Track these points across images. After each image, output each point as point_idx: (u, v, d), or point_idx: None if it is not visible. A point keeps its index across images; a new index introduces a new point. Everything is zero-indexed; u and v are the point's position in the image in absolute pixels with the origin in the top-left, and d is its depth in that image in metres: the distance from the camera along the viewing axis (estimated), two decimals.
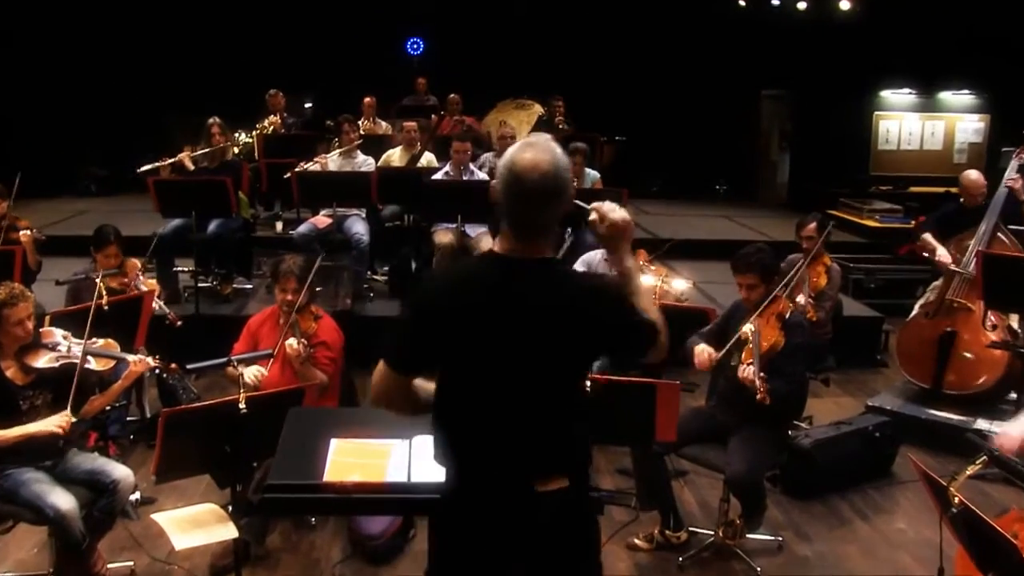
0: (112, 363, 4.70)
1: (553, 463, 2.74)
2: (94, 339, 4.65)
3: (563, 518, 2.75)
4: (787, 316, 4.92)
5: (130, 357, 4.72)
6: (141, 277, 6.17)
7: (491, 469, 2.74)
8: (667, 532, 5.08)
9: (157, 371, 5.48)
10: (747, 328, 4.84)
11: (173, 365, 4.90)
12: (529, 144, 2.66)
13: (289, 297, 5.04)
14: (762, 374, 4.59)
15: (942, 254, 7.03)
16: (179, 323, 6.07)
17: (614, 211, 2.84)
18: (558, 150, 2.66)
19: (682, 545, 5.06)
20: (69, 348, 4.53)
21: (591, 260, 6.57)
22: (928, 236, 7.22)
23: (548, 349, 2.66)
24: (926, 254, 7.25)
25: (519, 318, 2.63)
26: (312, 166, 8.55)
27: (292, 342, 4.88)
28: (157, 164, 8.12)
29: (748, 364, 4.69)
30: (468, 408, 2.75)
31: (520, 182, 2.60)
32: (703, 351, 4.93)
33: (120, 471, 4.50)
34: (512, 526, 2.75)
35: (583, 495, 2.83)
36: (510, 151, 2.67)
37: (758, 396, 4.52)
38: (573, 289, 2.73)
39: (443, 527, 2.87)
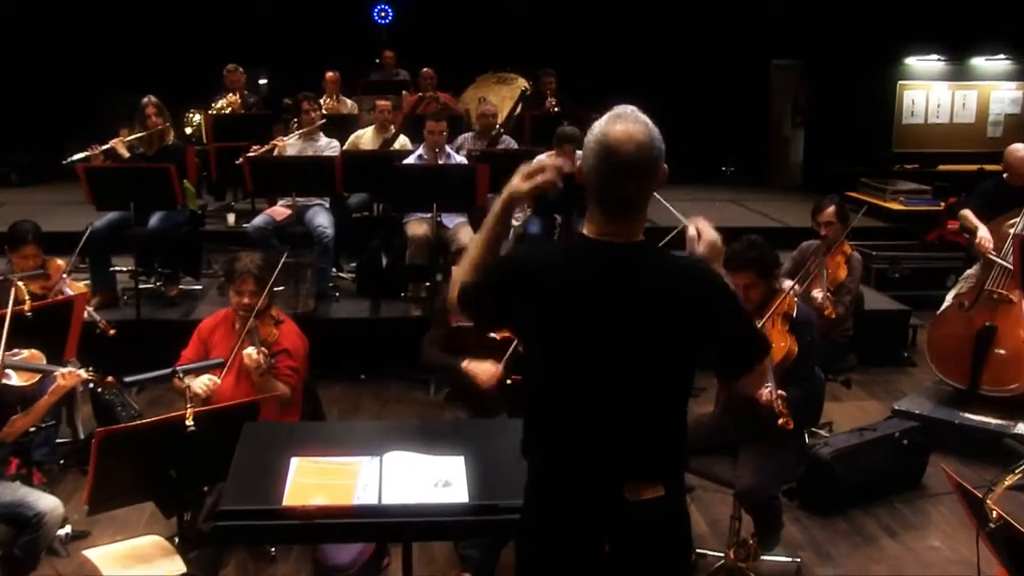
0: (36, 377, 4.65)
1: (646, 467, 2.77)
2: (15, 350, 4.60)
3: (655, 530, 2.78)
4: (794, 315, 4.89)
5: (58, 370, 4.64)
6: (67, 279, 6.10)
7: (577, 468, 2.76)
8: None
9: (91, 385, 5.41)
10: None
11: (110, 378, 4.82)
12: (618, 116, 2.70)
13: (246, 300, 4.97)
14: (781, 392, 4.54)
15: (984, 235, 6.94)
16: (112, 332, 5.95)
17: (711, 229, 2.88)
18: (648, 120, 2.72)
19: None
20: None
21: None
22: (968, 213, 7.19)
23: (654, 341, 2.70)
24: (966, 235, 7.21)
25: (623, 306, 2.68)
26: (268, 150, 8.51)
27: (251, 351, 4.80)
28: (88, 152, 7.96)
29: None
30: (560, 399, 2.79)
31: (614, 156, 2.64)
32: None
33: (46, 502, 4.43)
34: (598, 535, 2.76)
35: (678, 507, 2.86)
36: (599, 124, 2.71)
37: (780, 421, 4.47)
38: (684, 276, 2.76)
39: (524, 531, 2.90)
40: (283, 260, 5.35)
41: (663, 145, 2.70)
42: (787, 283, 6.40)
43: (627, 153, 2.64)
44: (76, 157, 7.92)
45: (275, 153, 8.50)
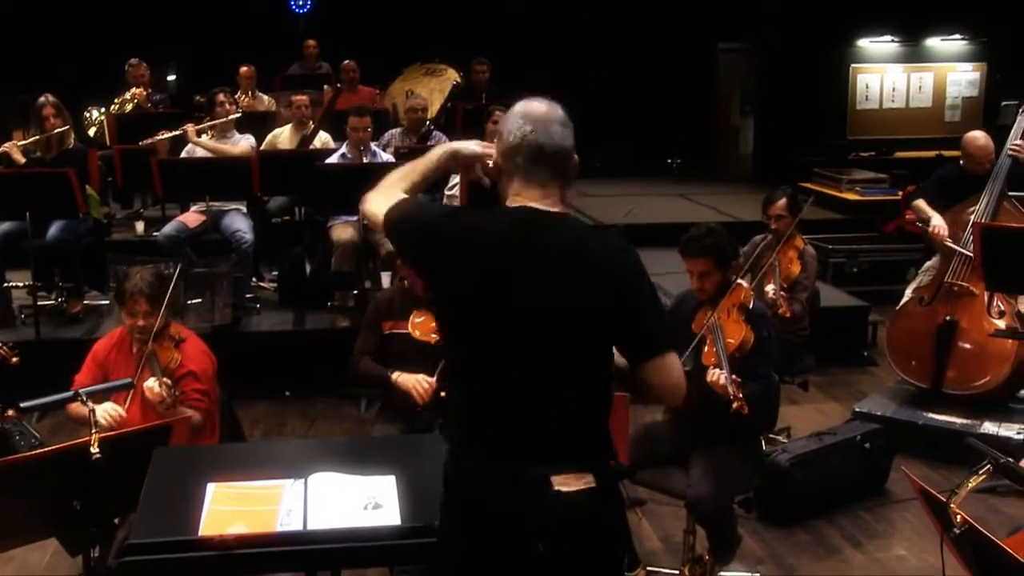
0: None
1: (571, 453, 2.82)
2: None
3: (591, 527, 2.83)
4: (750, 306, 4.94)
5: None
6: None
7: (493, 450, 2.83)
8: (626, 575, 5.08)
9: None
10: (709, 323, 4.85)
11: (10, 412, 4.70)
12: (533, 100, 2.94)
13: (140, 322, 4.82)
14: (734, 377, 4.59)
15: (938, 224, 7.03)
16: (15, 359, 5.80)
17: None
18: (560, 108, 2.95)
19: None
20: None
21: None
22: (921, 203, 7.30)
23: (561, 308, 2.80)
24: (920, 224, 7.31)
25: (528, 267, 2.81)
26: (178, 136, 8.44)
27: (151, 384, 4.64)
28: None
29: (714, 367, 4.70)
30: (471, 372, 2.91)
31: (535, 131, 2.87)
32: None
33: None
34: (530, 535, 2.80)
35: (611, 500, 2.91)
36: (519, 106, 2.94)
37: (734, 405, 4.51)
38: (598, 247, 2.89)
39: (444, 519, 2.96)
40: (176, 274, 5.21)
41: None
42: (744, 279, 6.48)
43: (549, 128, 2.89)
44: None
45: (192, 140, 8.42)
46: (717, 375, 4.63)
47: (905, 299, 7.40)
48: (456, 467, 2.90)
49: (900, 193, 11.05)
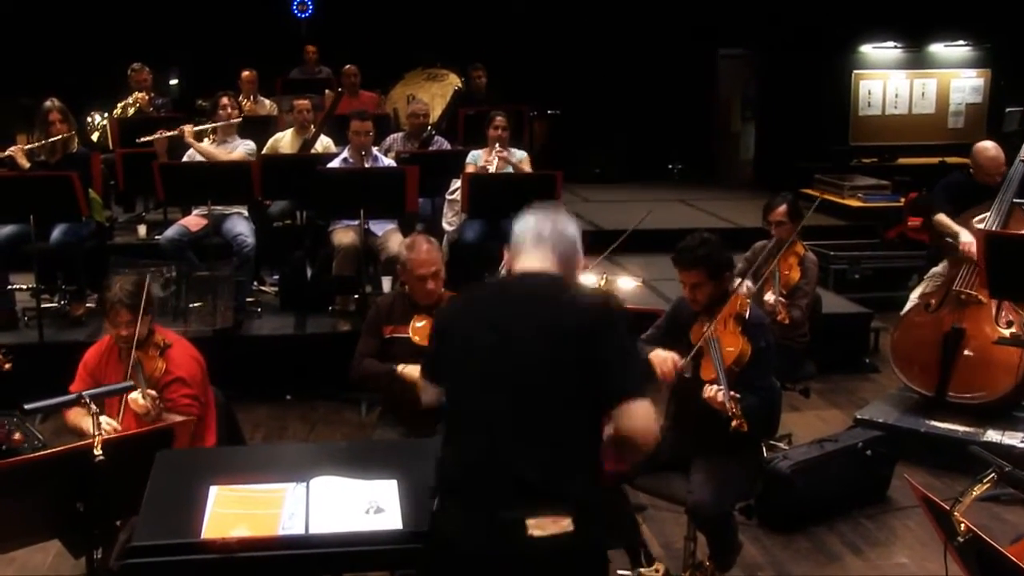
0: None
1: (547, 496, 2.88)
2: None
3: (562, 571, 2.90)
4: (747, 316, 4.88)
5: None
6: None
7: (470, 497, 2.96)
8: (642, 571, 5.08)
9: None
10: (706, 336, 4.81)
11: (16, 436, 4.70)
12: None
13: (123, 332, 4.83)
14: (733, 393, 4.58)
15: (968, 240, 6.87)
16: (8, 365, 5.79)
17: None
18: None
19: None
20: None
21: None
22: (943, 218, 7.16)
23: (533, 361, 3.02)
24: (949, 239, 7.13)
25: (503, 325, 3.10)
26: (176, 135, 8.48)
27: (136, 396, 4.65)
28: None
29: (712, 382, 4.66)
30: (454, 423, 3.18)
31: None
32: (665, 359, 4.84)
33: None
34: (497, 574, 2.90)
35: (590, 545, 2.99)
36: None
37: (733, 423, 4.49)
38: (568, 301, 3.14)
39: (422, 563, 3.12)
40: (148, 281, 5.10)
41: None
42: (746, 285, 6.48)
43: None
44: None
45: (187, 141, 8.44)
46: (714, 392, 4.58)
47: (910, 305, 7.35)
48: (438, 513, 3.04)
49: (902, 200, 11.06)
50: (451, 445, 3.11)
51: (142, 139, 8.42)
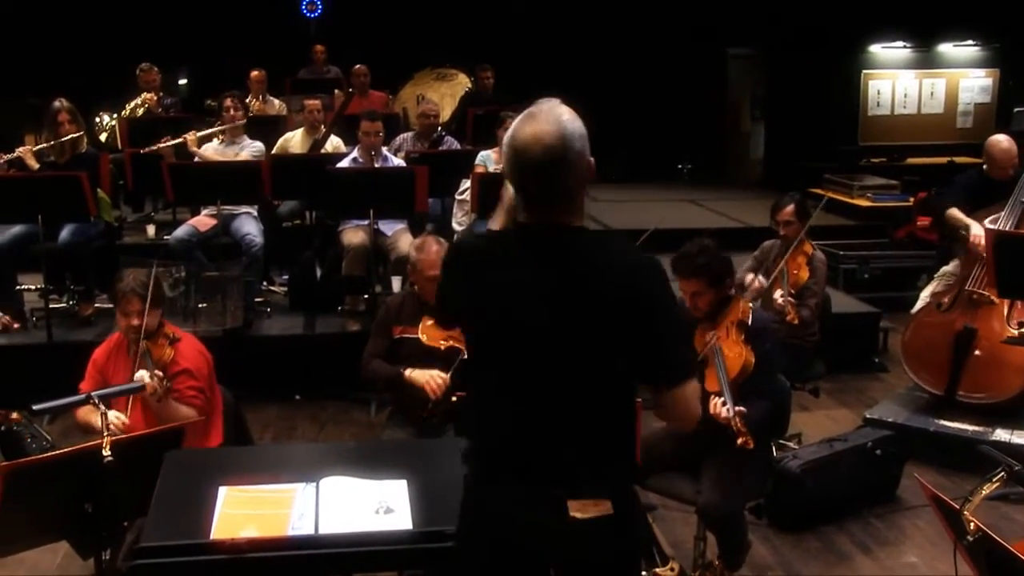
0: None
1: (589, 479, 2.78)
2: None
3: (605, 555, 2.80)
4: (749, 322, 4.84)
5: None
6: None
7: (513, 478, 2.80)
8: (658, 571, 5.08)
9: None
10: (709, 346, 4.79)
11: (14, 415, 4.72)
12: (531, 115, 2.80)
13: (135, 322, 4.88)
14: (740, 409, 4.55)
15: (978, 233, 6.80)
16: (16, 325, 5.66)
17: None
18: (565, 115, 2.82)
19: None
20: None
21: None
22: (955, 212, 7.12)
23: (580, 331, 2.75)
24: (962, 231, 7.07)
25: (546, 291, 2.75)
26: (181, 143, 8.48)
27: (143, 375, 4.67)
28: None
29: (716, 396, 4.62)
30: (490, 397, 2.88)
31: (522, 158, 2.77)
32: None
33: None
34: (542, 560, 2.80)
35: (630, 528, 2.88)
36: (513, 126, 2.83)
37: (739, 440, 4.47)
38: (618, 265, 2.80)
39: (458, 555, 2.95)
40: (154, 272, 5.12)
41: (582, 141, 2.82)
42: (758, 280, 6.46)
43: (533, 156, 2.74)
44: None
45: (191, 150, 8.44)
46: (719, 408, 4.57)
47: (919, 305, 7.33)
48: (474, 487, 2.89)
49: (912, 199, 11.05)
50: (485, 414, 2.88)
51: (146, 150, 8.41)
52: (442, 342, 5.08)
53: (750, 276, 6.59)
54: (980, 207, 7.03)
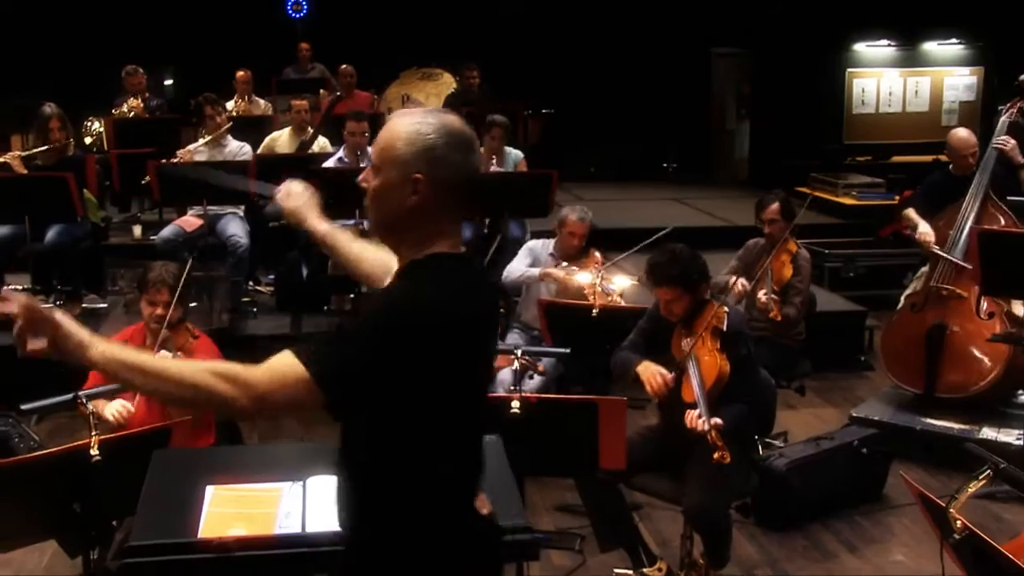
0: None
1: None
2: None
3: None
4: (724, 328, 4.81)
5: None
6: None
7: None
8: (645, 571, 5.08)
9: None
10: (685, 353, 4.77)
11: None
12: (438, 113, 2.82)
13: (160, 311, 4.97)
14: (716, 421, 4.54)
15: (924, 231, 6.97)
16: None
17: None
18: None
19: None
20: None
21: (537, 249, 6.72)
22: (910, 211, 7.27)
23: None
24: (908, 231, 7.28)
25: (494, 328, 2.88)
26: (176, 161, 8.44)
27: (166, 355, 4.70)
28: None
29: (692, 409, 4.64)
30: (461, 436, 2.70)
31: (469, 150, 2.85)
32: (655, 375, 4.82)
33: None
34: None
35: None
36: (429, 118, 2.76)
37: (715, 456, 4.47)
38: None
39: None
40: (188, 268, 5.26)
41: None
42: (740, 283, 6.47)
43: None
44: None
45: (179, 160, 8.42)
46: (694, 421, 4.59)
47: (899, 305, 7.38)
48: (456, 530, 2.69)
49: (897, 198, 11.06)
50: (458, 451, 2.68)
51: (145, 181, 8.35)
52: None
53: (732, 279, 6.59)
54: (943, 206, 7.10)
